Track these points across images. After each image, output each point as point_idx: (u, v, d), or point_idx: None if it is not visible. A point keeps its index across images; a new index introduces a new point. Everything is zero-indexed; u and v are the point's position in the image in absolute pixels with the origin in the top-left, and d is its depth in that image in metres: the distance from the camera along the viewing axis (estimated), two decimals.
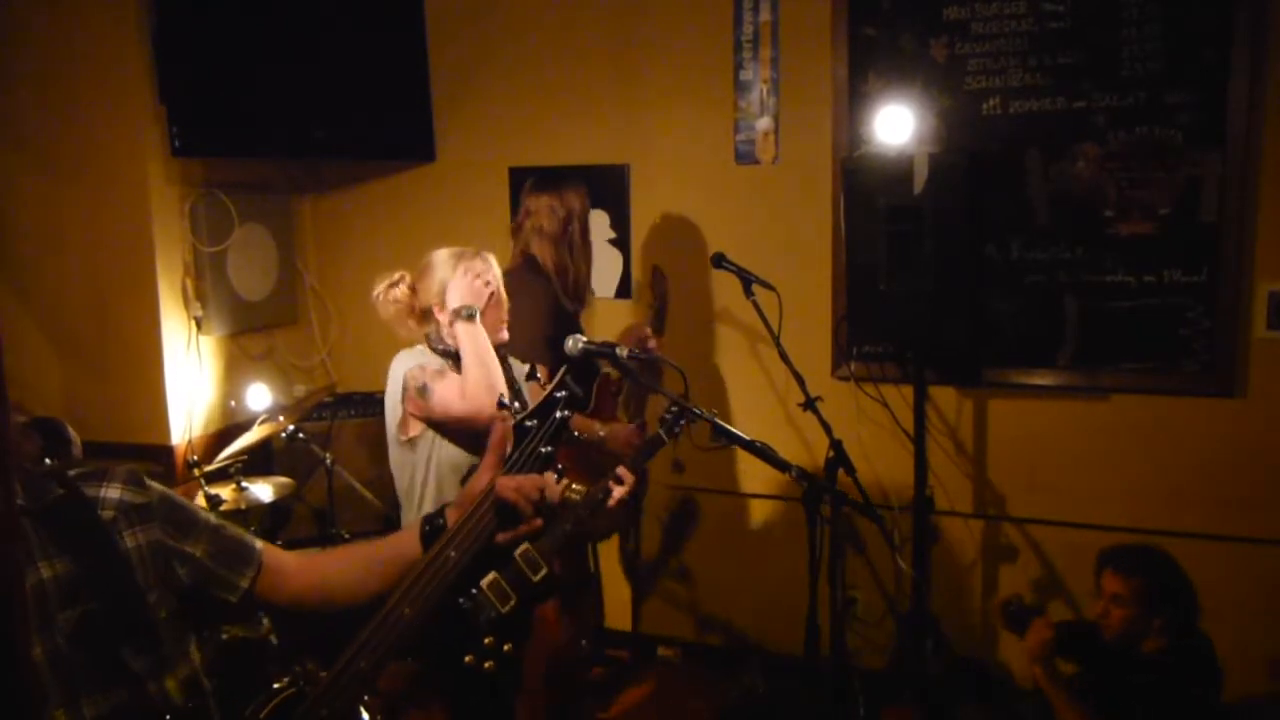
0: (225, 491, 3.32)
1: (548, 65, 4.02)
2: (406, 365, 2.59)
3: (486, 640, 2.32)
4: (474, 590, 2.21)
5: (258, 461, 3.72)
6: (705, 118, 3.81)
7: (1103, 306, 3.35)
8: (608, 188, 3.94)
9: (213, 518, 1.50)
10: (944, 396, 3.60)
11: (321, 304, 4.55)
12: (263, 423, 3.50)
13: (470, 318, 2.56)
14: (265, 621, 3.08)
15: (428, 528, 1.58)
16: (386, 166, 4.36)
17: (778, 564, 3.57)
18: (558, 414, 1.59)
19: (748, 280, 3.42)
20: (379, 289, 2.63)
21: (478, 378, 2.50)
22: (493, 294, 2.63)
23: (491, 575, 2.34)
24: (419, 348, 2.67)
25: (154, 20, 3.64)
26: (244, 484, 3.40)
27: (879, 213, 3.16)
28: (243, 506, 3.37)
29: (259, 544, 1.53)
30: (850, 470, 3.18)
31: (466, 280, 2.58)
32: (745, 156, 3.79)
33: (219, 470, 3.44)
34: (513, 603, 2.35)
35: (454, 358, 2.61)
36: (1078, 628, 2.72)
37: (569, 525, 2.54)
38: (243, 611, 1.51)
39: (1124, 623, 2.59)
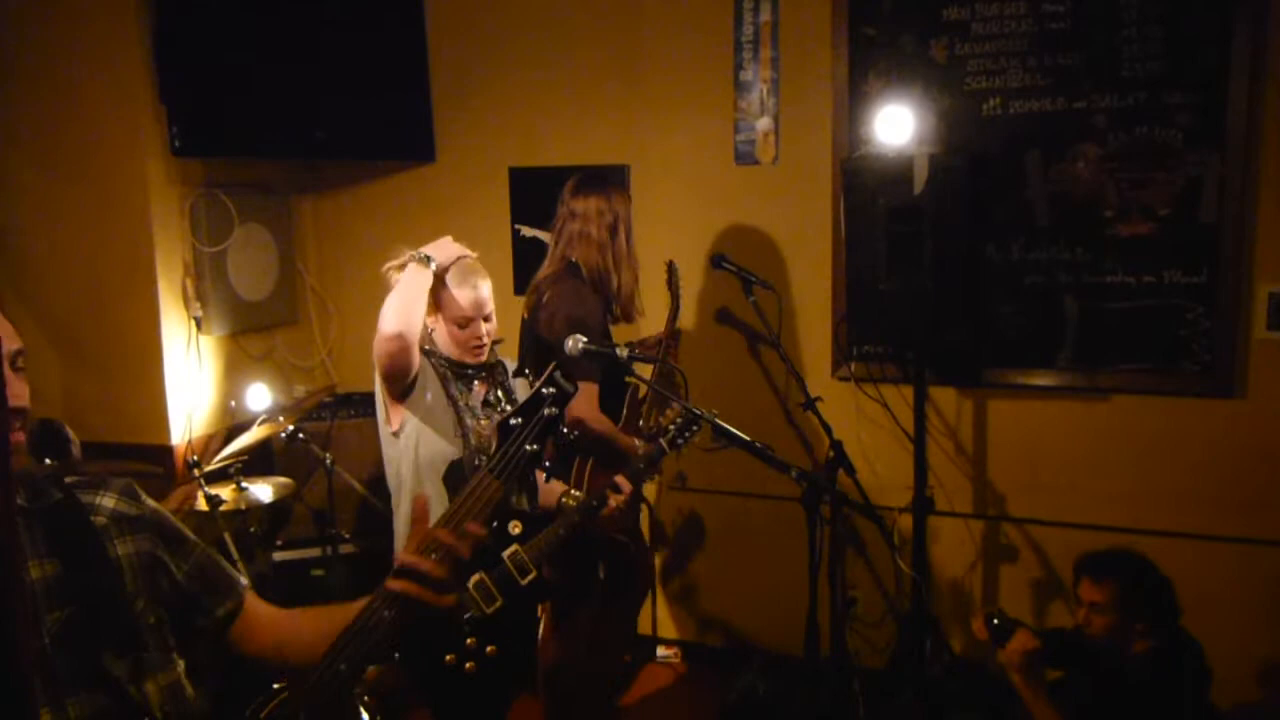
0: (225, 491, 3.31)
1: (548, 65, 4.01)
2: None
3: (469, 641, 2.31)
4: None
5: (257, 462, 3.71)
6: (705, 118, 3.81)
7: (1103, 307, 3.35)
8: None
9: (205, 546, 1.51)
10: (944, 397, 3.60)
11: (321, 304, 4.55)
12: (263, 423, 3.49)
13: (425, 263, 2.46)
14: None
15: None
16: (387, 166, 4.35)
17: (778, 564, 3.57)
18: (545, 411, 1.52)
19: (748, 280, 3.43)
20: (390, 265, 2.58)
21: (395, 306, 2.42)
22: (486, 315, 2.58)
23: (477, 576, 2.32)
24: None
25: (154, 20, 3.64)
26: (244, 484, 3.39)
27: (879, 213, 3.16)
28: (243, 507, 3.37)
29: (245, 583, 1.53)
30: (850, 471, 3.18)
31: (463, 282, 2.55)
32: (745, 157, 3.79)
33: (219, 470, 3.43)
34: (498, 604, 2.33)
35: (437, 357, 2.60)
36: (1064, 636, 2.70)
37: (562, 530, 2.51)
38: (214, 643, 1.48)
39: (1106, 630, 2.55)
